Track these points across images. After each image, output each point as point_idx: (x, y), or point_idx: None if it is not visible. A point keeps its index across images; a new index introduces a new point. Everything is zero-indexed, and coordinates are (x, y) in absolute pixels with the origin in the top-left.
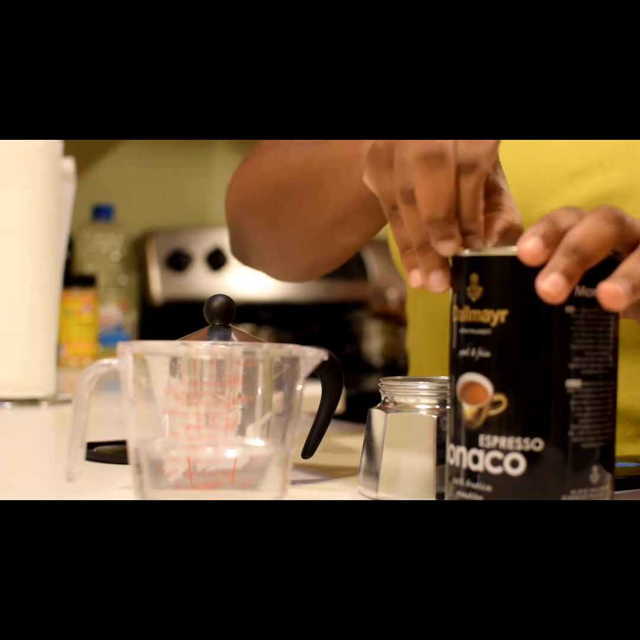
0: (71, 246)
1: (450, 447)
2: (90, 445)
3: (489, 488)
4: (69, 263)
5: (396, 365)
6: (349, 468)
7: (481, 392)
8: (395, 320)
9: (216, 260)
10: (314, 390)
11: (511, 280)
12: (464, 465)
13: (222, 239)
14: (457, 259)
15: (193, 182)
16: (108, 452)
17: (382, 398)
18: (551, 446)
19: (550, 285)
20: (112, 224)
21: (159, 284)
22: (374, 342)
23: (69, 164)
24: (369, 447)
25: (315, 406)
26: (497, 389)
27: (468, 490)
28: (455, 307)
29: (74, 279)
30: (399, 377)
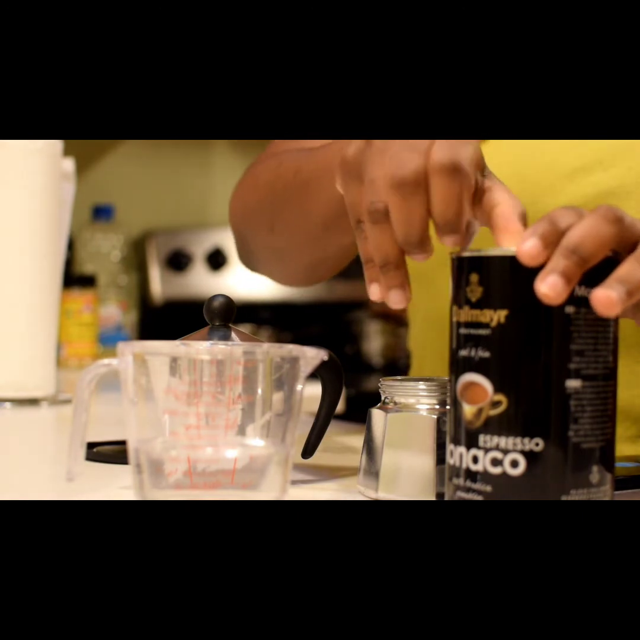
0: (71, 246)
1: (450, 447)
2: (90, 445)
3: (489, 488)
4: (69, 263)
5: (396, 365)
6: (349, 468)
7: (481, 392)
8: (395, 320)
9: (216, 260)
10: (314, 390)
11: (511, 280)
12: (464, 465)
13: (222, 239)
14: (457, 259)
15: (193, 182)
16: (108, 452)
17: (382, 398)
18: (551, 446)
19: (549, 288)
20: (112, 224)
21: (159, 284)
22: (374, 342)
23: (69, 164)
24: (369, 447)
25: (315, 406)
26: (497, 389)
27: (468, 490)
28: (455, 307)
29: (74, 279)
30: (399, 377)
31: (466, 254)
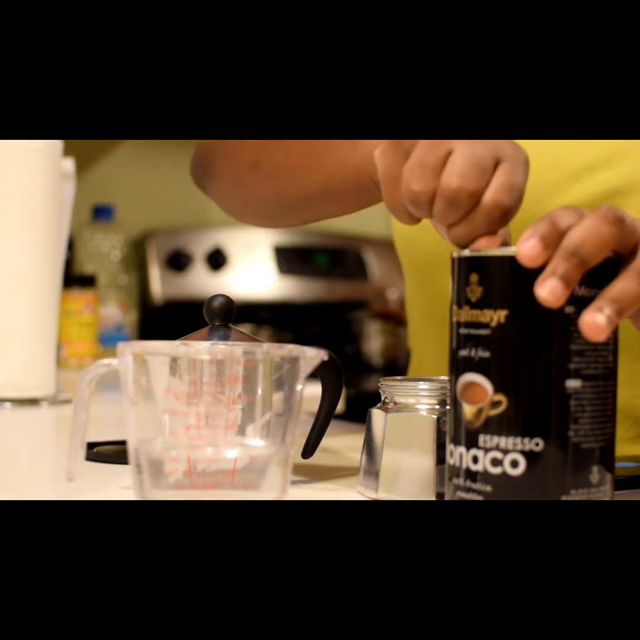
0: (71, 246)
1: (450, 447)
2: (90, 445)
3: (488, 488)
4: (69, 263)
5: (396, 365)
6: (349, 468)
7: (481, 392)
8: (395, 320)
9: (216, 260)
10: (314, 390)
11: (511, 280)
12: (464, 465)
13: (222, 239)
14: (458, 259)
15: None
16: (108, 452)
17: (382, 398)
18: (551, 446)
19: (548, 292)
20: (112, 224)
21: (159, 284)
22: (374, 342)
23: (69, 164)
24: (369, 447)
25: (315, 406)
26: (497, 389)
27: (468, 490)
28: (455, 307)
29: (74, 279)
30: (399, 377)
31: (466, 253)
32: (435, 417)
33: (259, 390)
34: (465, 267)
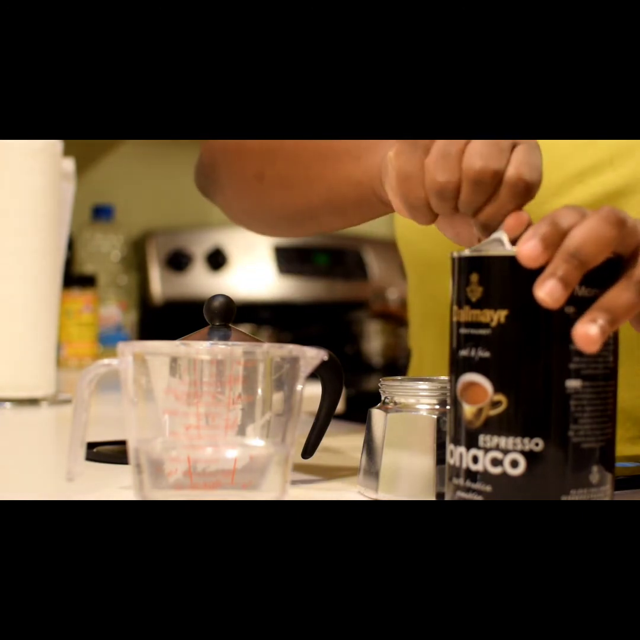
0: (71, 246)
1: (450, 447)
2: (90, 445)
3: (488, 488)
4: (69, 263)
5: (396, 365)
6: (349, 468)
7: (481, 392)
8: (395, 320)
9: (216, 260)
10: (314, 390)
11: (511, 280)
12: (464, 465)
13: (222, 239)
14: (458, 259)
15: (193, 182)
16: (108, 452)
17: (382, 398)
18: (551, 446)
19: (547, 294)
20: (112, 224)
21: (159, 284)
22: (374, 342)
23: (69, 164)
24: (369, 447)
25: (315, 406)
26: (497, 389)
27: (468, 490)
28: (455, 307)
29: (74, 279)
30: (399, 377)
31: (466, 253)
32: (435, 417)
33: (259, 390)
34: (465, 267)
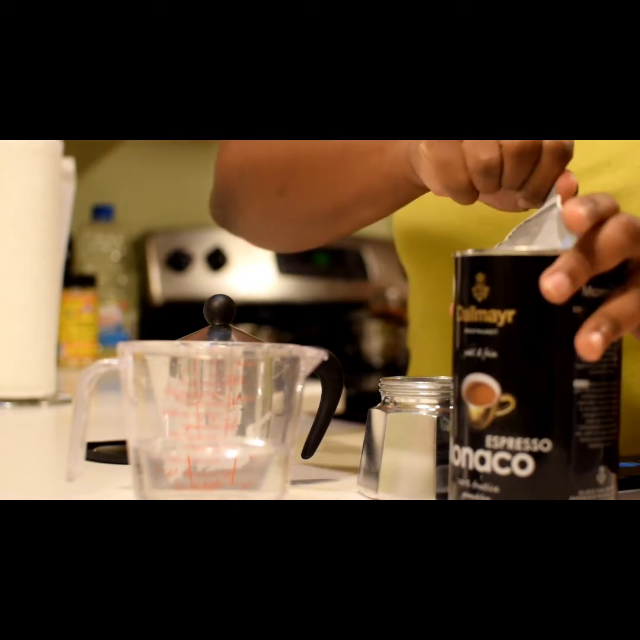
0: (71, 246)
1: (454, 448)
2: (90, 445)
3: (496, 489)
4: (69, 263)
5: (396, 365)
6: (349, 468)
7: (488, 393)
8: (395, 320)
9: (216, 260)
10: (314, 390)
11: (519, 280)
12: (470, 467)
13: (222, 239)
14: (462, 259)
15: (193, 182)
16: (108, 452)
17: (382, 398)
18: (559, 447)
19: (554, 286)
20: (112, 224)
21: (159, 284)
22: (374, 342)
23: (69, 164)
24: (369, 447)
25: (315, 406)
26: (505, 389)
27: (474, 491)
28: (459, 307)
29: (74, 279)
30: (399, 377)
31: (471, 253)
32: (435, 417)
33: (259, 390)
34: (470, 267)
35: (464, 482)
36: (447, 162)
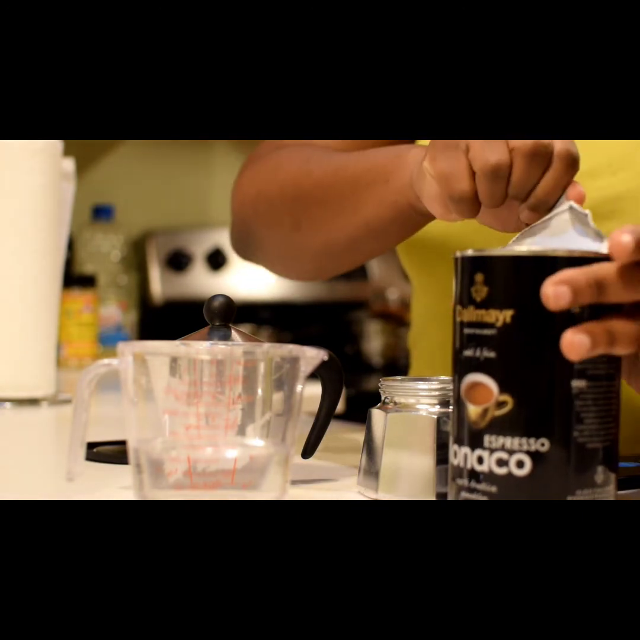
0: (71, 246)
1: (453, 447)
2: (90, 445)
3: (494, 488)
4: (69, 263)
5: (396, 365)
6: (349, 468)
7: (486, 393)
8: (395, 320)
9: (216, 260)
10: (314, 390)
11: (518, 280)
12: (469, 466)
13: (222, 239)
14: (462, 259)
15: (193, 182)
16: (108, 452)
17: (382, 398)
18: (557, 446)
19: (554, 296)
20: (112, 224)
21: (159, 284)
22: (374, 342)
23: (69, 164)
24: (369, 447)
25: (315, 406)
26: (503, 389)
27: (472, 490)
28: (459, 307)
29: (74, 279)
30: (399, 377)
31: (470, 253)
32: (435, 417)
33: (259, 390)
34: (469, 267)
35: (463, 481)
36: (450, 172)
